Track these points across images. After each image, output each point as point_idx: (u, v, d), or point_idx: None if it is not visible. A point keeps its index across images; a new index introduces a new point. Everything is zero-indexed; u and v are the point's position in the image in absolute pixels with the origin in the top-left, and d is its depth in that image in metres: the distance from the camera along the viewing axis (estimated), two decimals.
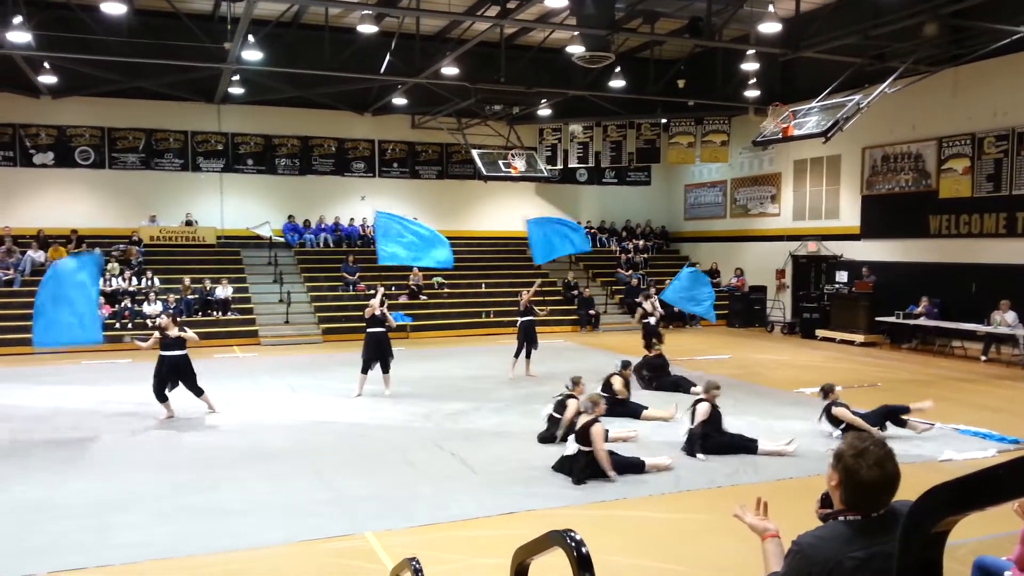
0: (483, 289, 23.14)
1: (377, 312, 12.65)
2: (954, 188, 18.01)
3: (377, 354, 12.63)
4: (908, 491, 2.32)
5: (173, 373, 11.03)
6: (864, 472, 2.36)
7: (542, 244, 15.31)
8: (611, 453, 8.18)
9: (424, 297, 22.60)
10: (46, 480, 8.09)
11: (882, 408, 9.88)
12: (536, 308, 15.09)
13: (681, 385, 12.91)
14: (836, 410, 9.58)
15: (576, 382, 9.57)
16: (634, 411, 10.99)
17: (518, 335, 14.69)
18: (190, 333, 11.44)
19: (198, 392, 11.22)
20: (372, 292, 12.67)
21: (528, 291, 15.11)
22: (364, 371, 12.68)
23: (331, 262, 23.40)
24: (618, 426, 10.03)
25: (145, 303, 19.62)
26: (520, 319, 14.74)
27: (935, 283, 18.11)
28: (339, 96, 23.70)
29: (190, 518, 6.92)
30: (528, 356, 14.60)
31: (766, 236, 24.22)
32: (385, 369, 12.71)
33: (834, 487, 2.47)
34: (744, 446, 9.05)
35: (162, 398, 11.03)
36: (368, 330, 12.71)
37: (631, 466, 8.17)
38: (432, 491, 7.70)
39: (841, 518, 2.42)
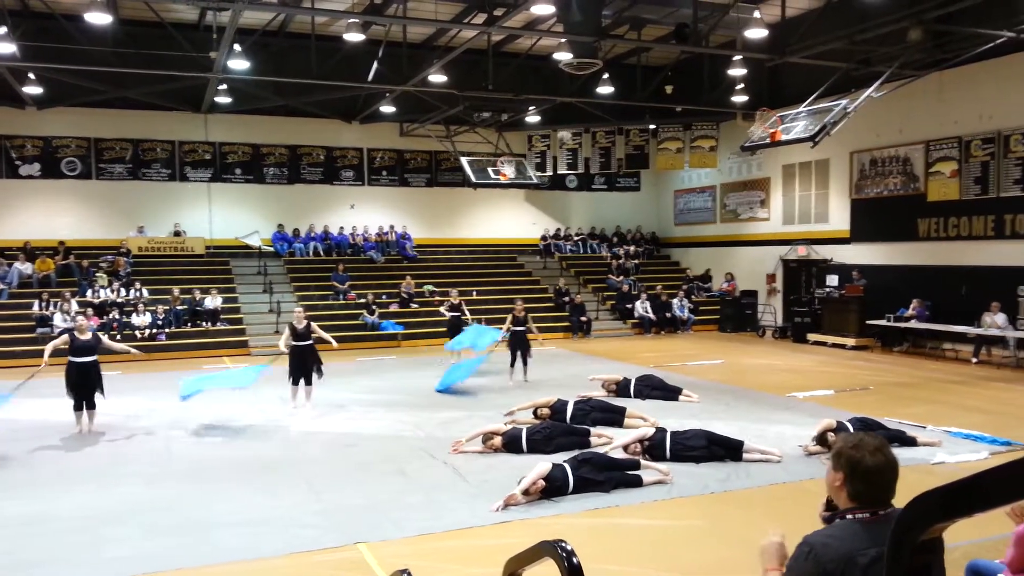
0: (474, 297, 23.09)
1: (300, 326, 12.41)
2: (942, 191, 18.11)
3: (301, 367, 12.37)
4: (901, 493, 2.32)
5: (83, 380, 10.72)
6: (868, 459, 2.41)
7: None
8: (614, 466, 8.16)
9: (415, 305, 22.56)
10: (36, 494, 8.01)
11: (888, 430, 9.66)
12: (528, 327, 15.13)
13: (670, 395, 12.81)
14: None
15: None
16: (616, 418, 10.80)
17: (509, 344, 14.83)
18: (105, 340, 11.11)
19: (92, 404, 10.86)
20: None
21: (519, 304, 15.15)
22: (295, 383, 12.41)
23: (321, 271, 23.35)
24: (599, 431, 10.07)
25: (134, 314, 19.52)
26: (512, 328, 14.82)
27: (925, 286, 18.19)
28: (327, 104, 23.68)
29: (182, 531, 6.86)
30: (524, 363, 14.76)
31: (756, 241, 24.30)
32: (308, 381, 12.40)
33: (838, 487, 2.49)
34: (729, 446, 8.98)
35: (79, 407, 10.75)
36: (293, 343, 12.35)
37: (629, 483, 8.00)
38: (424, 501, 7.66)
39: (850, 516, 2.42)
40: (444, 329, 17.99)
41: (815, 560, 2.35)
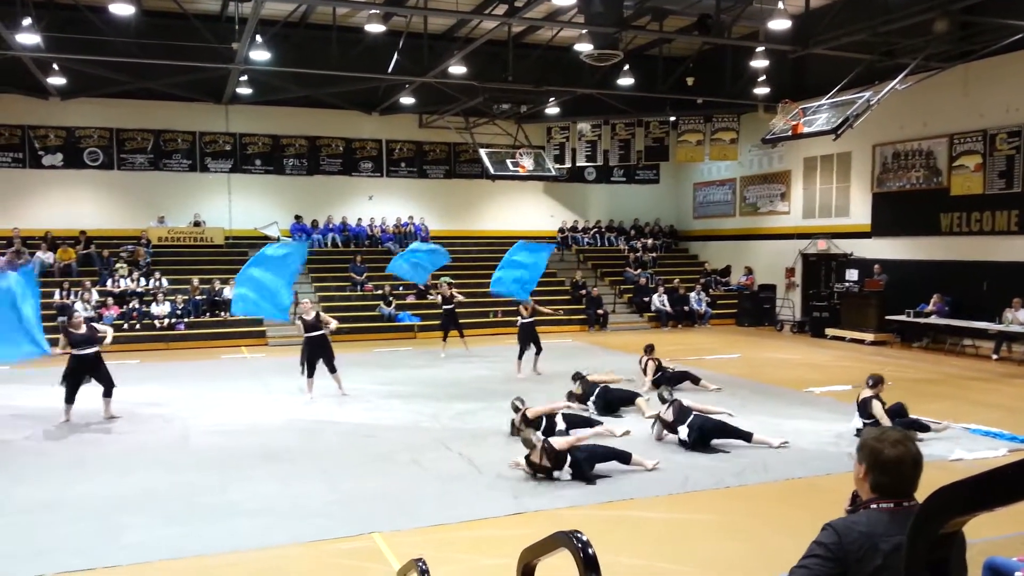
0: (491, 289, 23.06)
1: (309, 317, 12.59)
2: (965, 185, 17.89)
3: (315, 357, 12.49)
4: (919, 490, 2.29)
5: (85, 371, 10.90)
6: (888, 450, 2.42)
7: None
8: (595, 446, 8.46)
9: (431, 297, 22.58)
10: (54, 481, 8.10)
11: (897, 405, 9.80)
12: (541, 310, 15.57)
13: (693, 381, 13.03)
14: (876, 404, 9.40)
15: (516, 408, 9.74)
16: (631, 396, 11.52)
17: (519, 336, 15.00)
18: (103, 327, 11.46)
19: (109, 393, 11.06)
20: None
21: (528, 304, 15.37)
22: (310, 375, 12.50)
23: (339, 262, 23.43)
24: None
25: (153, 304, 19.69)
26: (521, 321, 15.02)
27: (946, 281, 18.00)
28: (347, 96, 23.72)
29: (198, 519, 6.91)
30: (537, 354, 14.85)
31: (776, 234, 24.12)
32: (332, 369, 12.58)
33: (861, 479, 2.50)
34: (739, 435, 9.23)
35: (71, 399, 10.87)
36: (306, 335, 12.55)
37: (618, 456, 8.26)
38: (439, 491, 7.68)
39: (873, 506, 2.43)
40: (439, 323, 18.16)
41: (838, 541, 2.35)
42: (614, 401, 11.29)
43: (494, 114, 23.26)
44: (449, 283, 18.66)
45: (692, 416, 9.25)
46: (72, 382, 10.85)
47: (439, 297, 18.02)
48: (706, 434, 9.09)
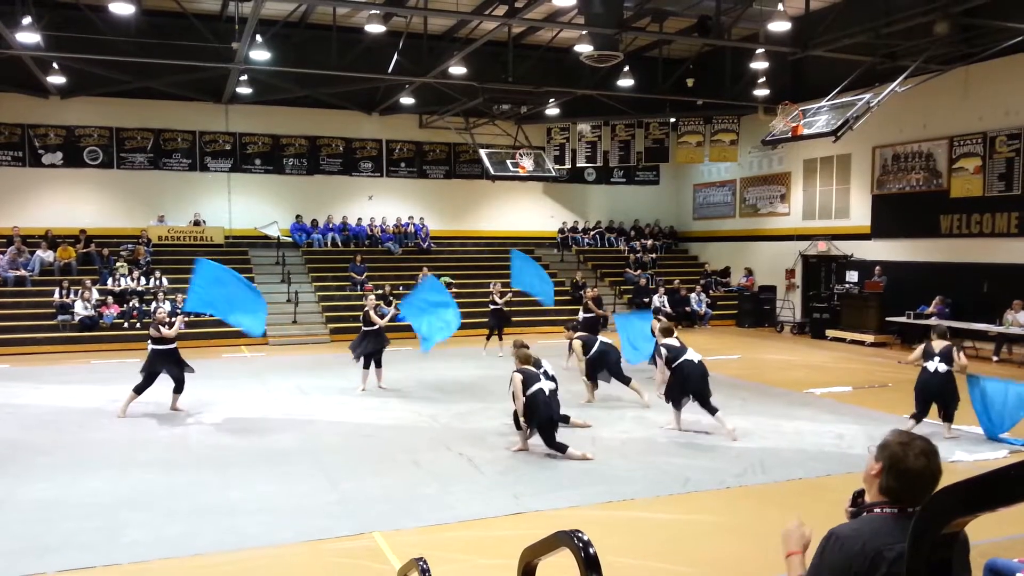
0: (491, 289, 23.05)
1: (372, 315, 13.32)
2: (965, 187, 17.91)
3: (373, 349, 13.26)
4: None
5: (165, 365, 11.34)
6: (911, 460, 2.34)
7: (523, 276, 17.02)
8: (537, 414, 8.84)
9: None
10: (56, 479, 8.09)
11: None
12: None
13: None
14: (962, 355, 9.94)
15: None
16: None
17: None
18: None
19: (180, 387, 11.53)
20: (381, 291, 13.24)
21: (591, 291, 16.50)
22: (366, 366, 13.30)
23: (339, 262, 23.43)
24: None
25: (153, 303, 19.66)
26: (584, 315, 15.87)
27: (946, 283, 18.01)
28: (347, 96, 23.73)
29: (199, 517, 6.92)
30: None
31: (776, 236, 24.14)
32: (378, 364, 13.35)
33: (874, 476, 2.42)
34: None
35: (140, 392, 11.28)
36: (364, 329, 13.32)
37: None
38: (439, 491, 7.68)
39: (877, 511, 2.37)
40: (486, 320, 18.63)
41: (842, 550, 2.30)
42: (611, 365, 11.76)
43: (494, 115, 23.26)
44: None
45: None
46: (150, 374, 11.21)
47: (493, 297, 18.43)
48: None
